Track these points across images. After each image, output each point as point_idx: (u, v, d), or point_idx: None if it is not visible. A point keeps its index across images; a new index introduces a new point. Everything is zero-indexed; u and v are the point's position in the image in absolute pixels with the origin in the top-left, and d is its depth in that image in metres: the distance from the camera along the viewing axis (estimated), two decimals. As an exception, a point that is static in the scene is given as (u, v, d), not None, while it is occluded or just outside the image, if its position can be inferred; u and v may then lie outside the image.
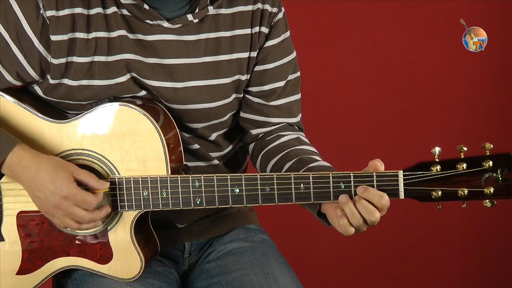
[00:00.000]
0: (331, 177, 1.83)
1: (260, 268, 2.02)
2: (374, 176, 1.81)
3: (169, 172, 1.90)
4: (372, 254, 3.40)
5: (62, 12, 1.91)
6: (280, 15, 2.05)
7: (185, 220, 2.09)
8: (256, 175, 1.86)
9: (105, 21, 1.93)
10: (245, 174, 1.89)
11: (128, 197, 1.90)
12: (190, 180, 1.88)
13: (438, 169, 1.78)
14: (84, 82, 1.94)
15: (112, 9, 1.94)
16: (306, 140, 2.10)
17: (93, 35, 1.93)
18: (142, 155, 1.90)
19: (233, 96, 2.04)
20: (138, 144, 1.90)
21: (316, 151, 2.06)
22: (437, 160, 1.79)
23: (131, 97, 1.97)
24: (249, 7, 2.02)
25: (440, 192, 1.79)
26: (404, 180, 1.81)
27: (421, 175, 1.79)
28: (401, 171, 1.81)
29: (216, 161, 2.07)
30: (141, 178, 1.90)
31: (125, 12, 1.95)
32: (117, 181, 1.90)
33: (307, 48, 3.03)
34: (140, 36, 1.95)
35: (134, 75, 1.95)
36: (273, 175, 1.86)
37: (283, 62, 2.07)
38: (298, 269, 2.10)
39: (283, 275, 2.00)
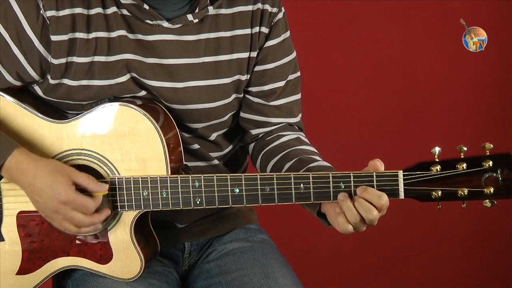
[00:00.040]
0: (331, 177, 1.83)
1: (260, 268, 2.02)
2: (374, 176, 1.81)
3: (169, 172, 1.90)
4: (372, 254, 3.40)
5: (62, 12, 1.91)
6: (280, 15, 2.05)
7: (185, 220, 2.09)
8: (256, 175, 1.86)
9: (105, 21, 1.93)
10: (245, 174, 1.89)
11: (128, 197, 1.90)
12: (190, 180, 1.88)
13: (438, 169, 1.78)
14: (84, 82, 1.94)
15: (112, 9, 1.94)
16: (306, 140, 2.10)
17: (93, 35, 1.93)
18: (142, 155, 1.90)
19: (233, 96, 2.04)
20: (138, 144, 1.90)
21: (316, 151, 2.06)
22: (437, 160, 1.79)
23: (131, 97, 1.97)
24: (249, 7, 2.02)
25: (440, 192, 1.79)
26: (404, 180, 1.81)
27: (421, 175, 1.79)
28: (401, 171, 1.81)
29: (216, 161, 2.08)
30: (141, 178, 1.90)
31: (125, 12, 1.95)
32: (117, 181, 1.90)
33: (307, 48, 3.03)
34: (140, 36, 1.95)
35: (134, 75, 1.95)
36: (273, 175, 1.86)
37: (283, 62, 2.07)
38: (298, 269, 2.10)
39: (283, 275, 2.00)
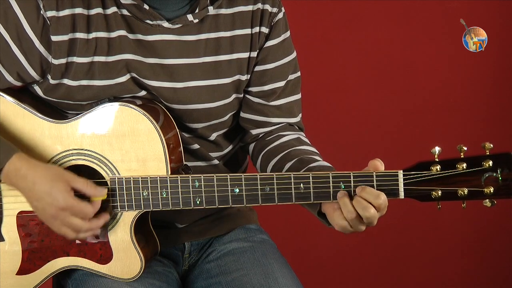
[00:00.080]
0: (331, 177, 1.83)
1: (260, 268, 2.01)
2: (374, 176, 1.81)
3: (169, 172, 1.90)
4: (372, 254, 3.40)
5: (63, 13, 1.91)
6: (280, 15, 2.05)
7: (185, 220, 2.09)
8: (256, 175, 1.86)
9: (105, 21, 1.93)
10: (245, 174, 1.88)
11: (128, 197, 1.90)
12: (190, 180, 1.88)
13: (438, 169, 1.78)
14: (84, 82, 1.94)
15: (112, 9, 1.94)
16: (307, 140, 2.10)
17: (93, 35, 1.93)
18: (142, 155, 1.90)
19: (233, 96, 2.04)
20: (138, 144, 1.90)
21: (317, 151, 2.06)
22: (437, 159, 1.79)
23: (131, 97, 1.97)
24: (249, 7, 2.02)
25: (440, 192, 1.79)
26: (404, 180, 1.81)
27: (421, 175, 1.79)
28: (401, 171, 1.81)
29: (216, 161, 2.08)
30: (141, 178, 1.90)
31: (125, 12, 1.95)
32: (117, 181, 1.90)
33: (307, 48, 3.03)
34: (140, 36, 1.95)
35: (134, 75, 1.95)
36: (273, 175, 1.86)
37: (283, 62, 2.07)
38: (298, 269, 2.10)
39: (283, 275, 2.00)
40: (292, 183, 1.85)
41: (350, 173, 1.83)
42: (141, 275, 1.95)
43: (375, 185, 1.81)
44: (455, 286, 3.42)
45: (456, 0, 3.20)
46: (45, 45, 1.92)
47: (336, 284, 3.41)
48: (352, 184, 1.82)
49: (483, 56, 2.97)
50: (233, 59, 2.01)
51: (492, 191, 1.77)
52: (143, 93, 1.97)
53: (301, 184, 1.84)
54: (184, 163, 1.97)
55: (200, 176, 1.88)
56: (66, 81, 1.94)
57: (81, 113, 1.93)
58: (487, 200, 1.78)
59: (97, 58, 1.93)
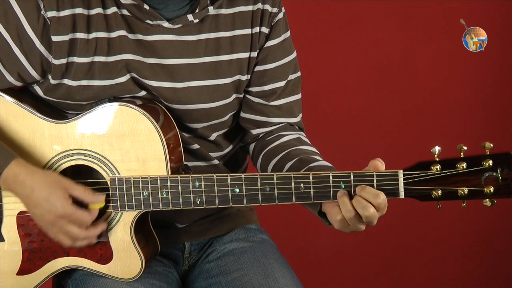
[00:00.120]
0: (331, 177, 1.83)
1: (260, 268, 2.01)
2: (374, 176, 1.81)
3: (169, 172, 1.90)
4: (372, 254, 3.40)
5: (63, 13, 1.91)
6: (280, 15, 2.05)
7: (185, 220, 2.09)
8: (256, 175, 1.86)
9: (105, 21, 1.94)
10: (245, 174, 1.88)
11: (128, 197, 1.91)
12: (190, 180, 1.88)
13: (438, 169, 1.78)
14: (84, 82, 1.94)
15: (112, 9, 1.94)
16: (307, 140, 2.10)
17: (93, 35, 1.93)
18: (142, 155, 1.90)
19: (233, 96, 2.04)
20: (138, 144, 1.90)
21: (317, 151, 2.06)
22: (437, 159, 1.79)
23: (131, 97, 1.97)
24: (249, 7, 2.02)
25: (440, 192, 1.79)
26: (404, 179, 1.81)
27: (421, 175, 1.79)
28: (401, 171, 1.81)
29: (216, 161, 2.08)
30: (141, 178, 1.90)
31: (125, 12, 1.95)
32: (117, 181, 1.91)
33: (307, 48, 3.04)
34: (140, 36, 1.95)
35: (134, 75, 1.95)
36: (273, 174, 1.86)
37: (284, 62, 2.07)
38: (298, 269, 2.10)
39: (283, 275, 2.00)
40: (292, 183, 1.85)
41: (350, 173, 1.83)
42: (141, 275, 1.94)
43: (375, 185, 1.81)
44: (455, 286, 3.42)
45: (456, 0, 3.20)
46: (46, 45, 1.92)
47: (336, 284, 3.41)
48: (352, 184, 1.82)
49: (483, 56, 2.98)
50: (233, 59, 2.01)
51: (492, 191, 1.77)
52: (143, 93, 1.97)
53: (301, 184, 1.84)
54: (184, 163, 1.97)
55: (200, 176, 1.88)
56: (66, 81, 1.94)
57: (81, 113, 1.93)
58: (487, 199, 1.78)
59: (97, 58, 1.94)
